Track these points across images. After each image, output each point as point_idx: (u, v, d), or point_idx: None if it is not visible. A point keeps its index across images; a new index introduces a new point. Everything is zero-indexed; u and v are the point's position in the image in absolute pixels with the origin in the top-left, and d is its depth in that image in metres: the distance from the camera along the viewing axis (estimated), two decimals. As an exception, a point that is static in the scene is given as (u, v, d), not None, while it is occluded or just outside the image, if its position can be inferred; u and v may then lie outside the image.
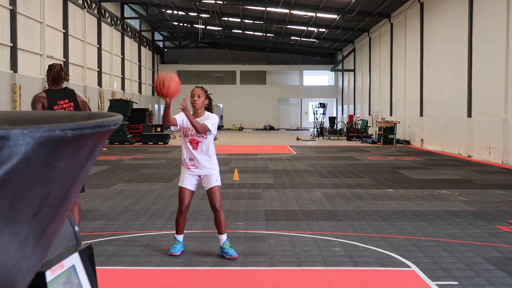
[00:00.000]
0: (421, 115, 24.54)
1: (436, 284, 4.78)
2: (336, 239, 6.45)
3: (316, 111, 35.36)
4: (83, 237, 5.97)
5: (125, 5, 36.69)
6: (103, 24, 31.85)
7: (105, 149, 21.71)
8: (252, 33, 42.59)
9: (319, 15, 31.49)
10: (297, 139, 31.34)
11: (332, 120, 34.89)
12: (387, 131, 25.65)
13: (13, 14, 20.07)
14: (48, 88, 5.84)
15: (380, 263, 5.44)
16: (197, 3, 33.71)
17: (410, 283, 4.85)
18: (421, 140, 24.37)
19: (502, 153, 16.27)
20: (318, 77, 52.76)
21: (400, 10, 27.67)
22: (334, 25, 33.46)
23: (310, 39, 40.93)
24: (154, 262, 5.50)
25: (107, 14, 32.73)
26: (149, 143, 25.66)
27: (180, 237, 5.72)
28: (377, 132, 27.43)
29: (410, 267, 5.30)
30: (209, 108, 5.72)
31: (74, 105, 5.73)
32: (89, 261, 1.17)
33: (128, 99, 30.89)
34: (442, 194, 10.05)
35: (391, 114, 29.51)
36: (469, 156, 18.57)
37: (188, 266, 5.36)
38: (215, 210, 5.58)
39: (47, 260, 1.02)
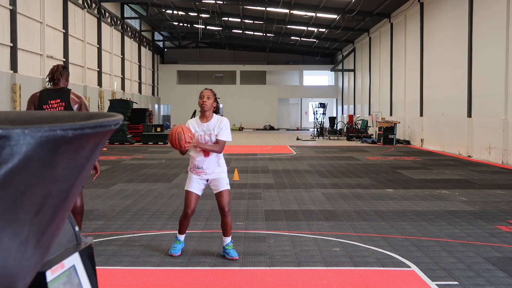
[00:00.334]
0: (421, 115, 24.54)
1: (436, 284, 4.78)
2: (336, 239, 6.45)
3: (316, 111, 35.36)
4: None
5: (125, 5, 36.69)
6: (103, 24, 31.85)
7: (105, 149, 21.71)
8: (252, 33, 42.59)
9: (319, 15, 31.49)
10: (297, 139, 31.34)
11: (332, 120, 34.89)
12: (387, 131, 25.65)
13: (13, 14, 20.07)
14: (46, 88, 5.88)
15: (380, 263, 5.44)
16: (197, 3, 33.71)
17: (410, 283, 4.85)
18: (421, 140, 24.37)
19: (502, 153, 16.27)
20: (318, 77, 52.76)
21: (400, 10, 27.67)
22: (334, 25, 33.46)
23: (310, 39, 40.93)
24: (154, 262, 5.50)
25: (107, 14, 32.73)
26: (149, 143, 25.67)
27: (181, 237, 5.72)
28: (377, 132, 27.43)
29: (410, 267, 5.30)
30: (216, 112, 5.68)
31: (65, 105, 5.70)
32: (89, 261, 1.17)
33: (128, 99, 30.90)
34: (442, 194, 10.05)
35: (391, 114, 29.52)
36: (469, 156, 18.57)
37: (188, 266, 5.36)
38: (223, 213, 5.54)
39: (48, 260, 1.03)
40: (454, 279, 4.92)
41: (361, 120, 33.68)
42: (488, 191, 10.54)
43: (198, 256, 5.69)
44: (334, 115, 47.38)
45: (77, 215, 5.86)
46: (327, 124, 38.20)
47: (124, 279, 4.97)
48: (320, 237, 6.59)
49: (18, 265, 0.71)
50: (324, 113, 34.86)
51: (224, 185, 5.55)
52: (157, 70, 50.37)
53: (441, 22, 22.30)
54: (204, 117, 5.55)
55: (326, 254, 5.79)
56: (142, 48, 43.02)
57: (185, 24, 41.47)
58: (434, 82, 22.96)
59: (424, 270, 5.19)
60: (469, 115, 18.92)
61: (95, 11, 30.51)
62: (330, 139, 31.82)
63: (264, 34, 42.19)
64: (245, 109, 50.28)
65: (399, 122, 26.82)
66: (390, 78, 30.01)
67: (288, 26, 36.59)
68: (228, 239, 5.62)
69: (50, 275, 0.99)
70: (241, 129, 48.36)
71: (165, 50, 53.58)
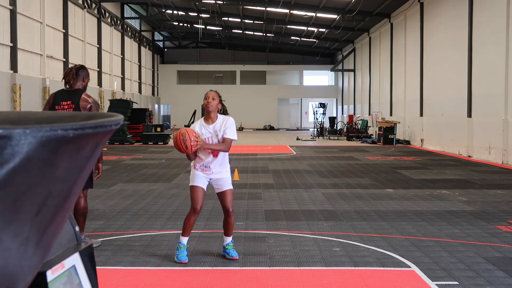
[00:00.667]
0: (421, 115, 24.54)
1: (436, 284, 4.78)
2: (336, 239, 6.45)
3: (316, 111, 35.37)
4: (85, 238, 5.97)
5: (125, 5, 36.70)
6: (103, 24, 31.86)
7: (105, 149, 21.71)
8: (252, 33, 42.60)
9: (319, 15, 31.50)
10: (297, 139, 31.34)
11: (332, 120, 34.89)
12: (387, 131, 25.65)
13: (13, 14, 20.07)
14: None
15: (380, 263, 5.44)
16: (197, 3, 33.72)
17: (410, 283, 4.85)
18: (421, 140, 24.37)
19: (502, 153, 16.27)
20: (318, 77, 52.77)
21: (400, 10, 27.68)
22: (334, 25, 33.47)
23: (310, 39, 40.94)
24: (154, 262, 5.50)
25: (107, 14, 32.74)
26: (149, 143, 25.67)
27: (185, 240, 5.49)
28: (377, 132, 27.43)
29: (410, 267, 5.30)
30: (223, 112, 5.61)
31: (75, 107, 5.83)
32: (90, 261, 1.17)
33: (128, 99, 30.89)
34: (442, 194, 10.05)
35: (391, 114, 29.52)
36: (469, 156, 18.58)
37: (188, 266, 5.36)
38: (228, 213, 5.51)
39: (48, 260, 1.03)
40: (454, 279, 4.92)
41: (361, 120, 33.69)
42: (488, 191, 10.54)
43: (198, 256, 5.68)
44: (334, 115, 47.39)
45: (80, 216, 5.87)
46: (327, 124, 38.20)
47: (124, 279, 4.97)
48: (320, 237, 6.59)
49: (19, 265, 0.71)
50: (324, 113, 34.86)
51: (228, 184, 5.52)
52: (157, 70, 50.38)
53: (441, 22, 22.30)
54: (209, 118, 5.49)
55: (326, 254, 5.79)
56: (142, 48, 43.03)
57: (185, 24, 41.48)
58: (434, 82, 22.97)
59: (424, 270, 5.19)
60: (469, 115, 18.92)
61: (95, 11, 30.51)
62: (330, 139, 31.82)
63: (264, 34, 42.20)
64: (245, 109, 50.28)
65: (399, 122, 26.82)
66: (390, 78, 30.01)
67: (288, 26, 36.60)
68: (229, 239, 5.61)
69: (50, 275, 0.99)
70: (241, 129, 48.36)
71: (165, 50, 53.59)
